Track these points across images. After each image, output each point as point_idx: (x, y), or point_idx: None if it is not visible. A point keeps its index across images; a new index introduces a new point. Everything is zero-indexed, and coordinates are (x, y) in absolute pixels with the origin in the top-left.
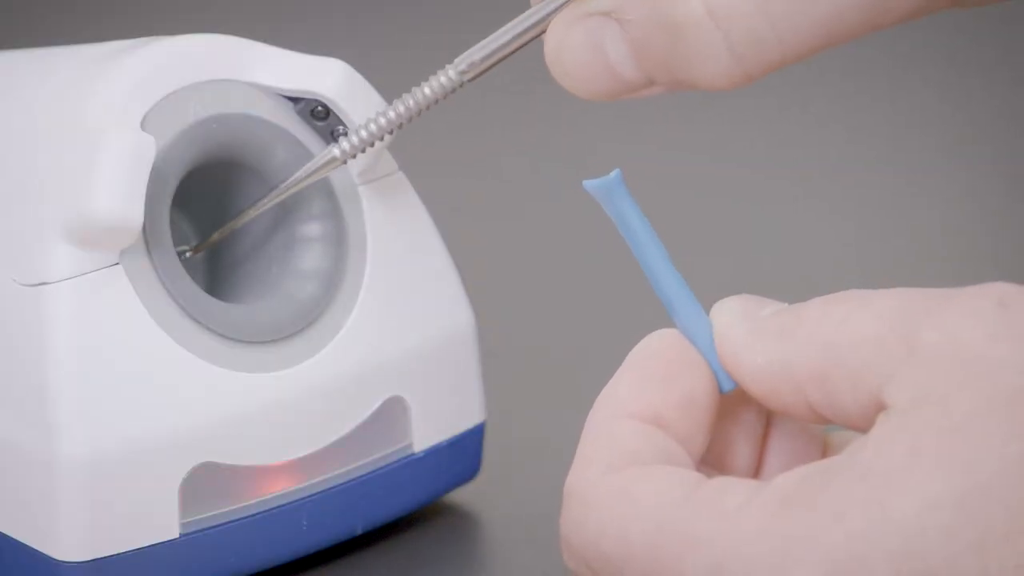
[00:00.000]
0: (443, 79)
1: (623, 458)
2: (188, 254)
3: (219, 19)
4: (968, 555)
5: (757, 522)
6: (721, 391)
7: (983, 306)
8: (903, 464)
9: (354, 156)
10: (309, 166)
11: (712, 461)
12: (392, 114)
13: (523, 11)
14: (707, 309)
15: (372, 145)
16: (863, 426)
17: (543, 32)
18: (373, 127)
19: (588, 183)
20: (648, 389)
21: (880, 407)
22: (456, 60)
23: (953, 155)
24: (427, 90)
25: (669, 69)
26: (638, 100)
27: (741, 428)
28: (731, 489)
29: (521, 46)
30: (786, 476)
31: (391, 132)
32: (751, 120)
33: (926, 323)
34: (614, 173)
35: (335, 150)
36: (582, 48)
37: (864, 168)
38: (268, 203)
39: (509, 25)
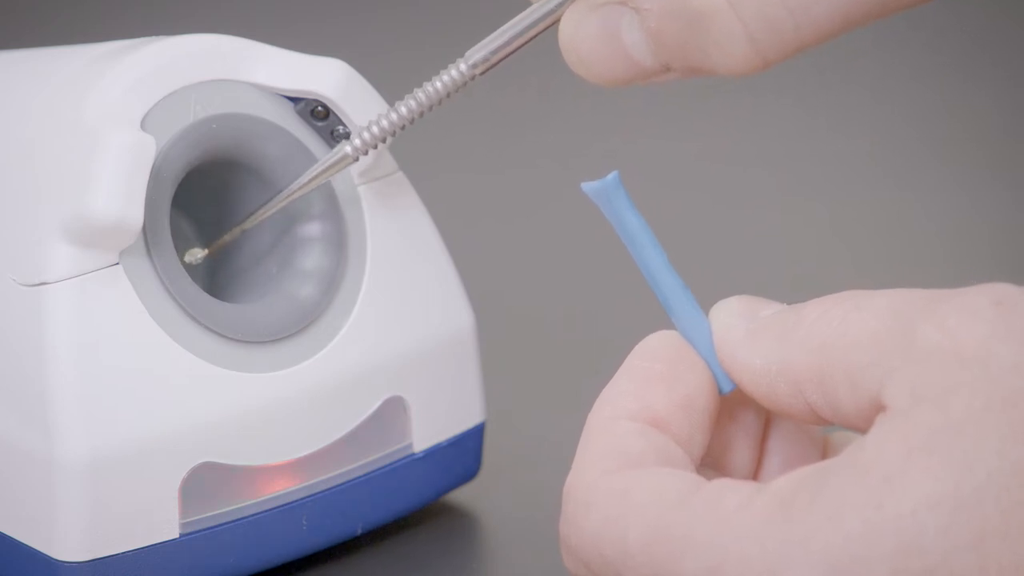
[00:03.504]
0: (454, 73)
1: (623, 459)
2: (200, 256)
3: (219, 19)
4: (966, 555)
5: (755, 524)
6: (721, 392)
7: (981, 307)
8: (901, 464)
9: (366, 153)
10: (320, 164)
11: (711, 462)
12: (404, 109)
13: (528, 3)
14: (706, 310)
15: (384, 141)
16: (862, 427)
17: (553, 23)
18: (385, 123)
19: (586, 185)
20: (648, 390)
21: (879, 407)
22: (467, 54)
23: (952, 155)
24: (438, 84)
25: (686, 56)
26: (639, 101)
27: (740, 429)
28: (730, 491)
29: (532, 38)
30: (785, 478)
31: (402, 128)
32: (750, 121)
33: (924, 324)
34: (612, 175)
35: (347, 147)
36: (597, 35)
37: (864, 169)
38: (279, 204)
39: (519, 17)
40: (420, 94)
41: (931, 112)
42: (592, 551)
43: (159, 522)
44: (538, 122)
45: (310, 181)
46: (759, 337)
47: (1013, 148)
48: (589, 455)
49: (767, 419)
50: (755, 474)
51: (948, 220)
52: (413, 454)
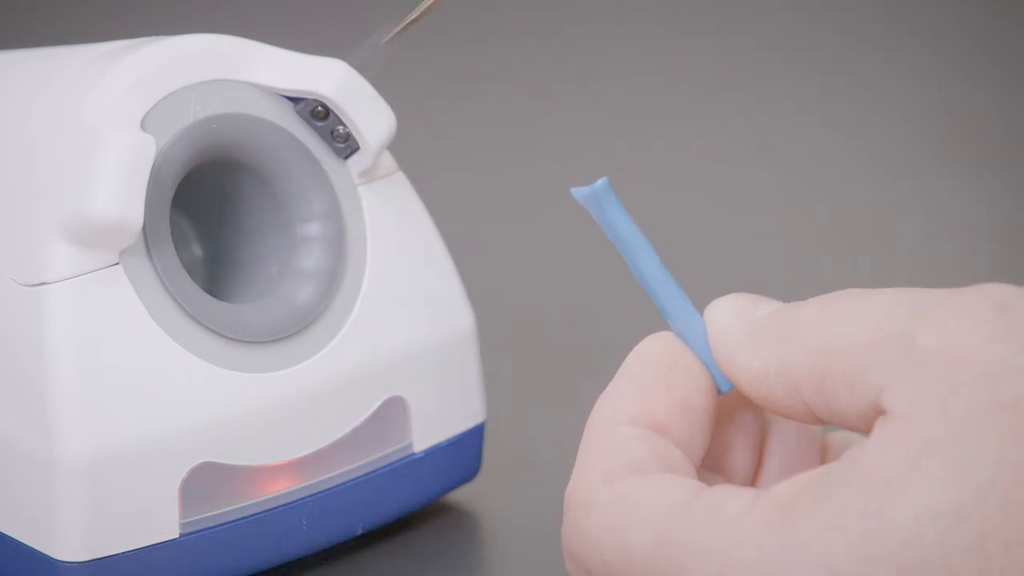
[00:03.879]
0: None
1: (623, 465)
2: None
3: (219, 19)
4: (968, 559)
5: (757, 531)
6: (719, 392)
7: (981, 308)
8: (901, 470)
9: None
10: None
11: (711, 464)
12: None
13: None
14: (702, 310)
15: None
16: (861, 428)
17: None
18: None
19: (575, 191)
20: (646, 394)
21: (878, 410)
22: None
23: (952, 155)
24: None
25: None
26: (639, 101)
27: (739, 430)
28: (731, 497)
29: None
30: (786, 484)
31: None
32: (750, 121)
33: (924, 325)
34: (601, 181)
35: None
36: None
37: (863, 169)
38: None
39: None
40: None
41: (931, 112)
42: (595, 557)
43: (159, 522)
44: (538, 122)
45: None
46: (756, 339)
47: (1013, 148)
48: (590, 461)
49: (766, 420)
50: (755, 475)
51: (948, 220)
52: (413, 454)
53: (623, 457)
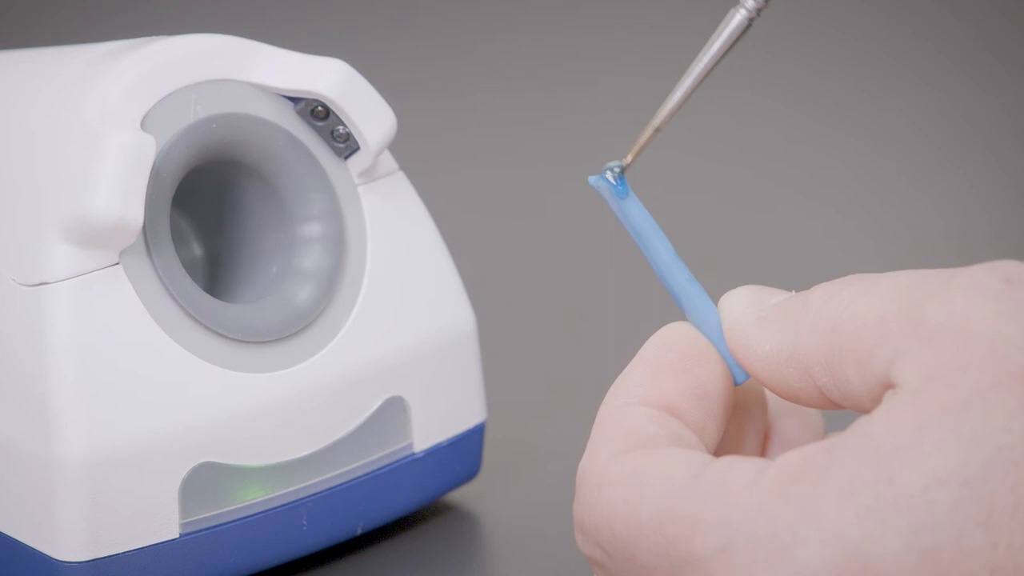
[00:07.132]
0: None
1: (635, 441)
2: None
3: (219, 19)
4: (976, 530)
5: (764, 501)
6: (736, 383)
7: (989, 283)
8: (910, 441)
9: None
10: (721, 34)
11: (724, 454)
12: None
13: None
14: (715, 302)
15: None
16: (871, 407)
17: None
18: None
19: (592, 179)
20: (661, 380)
21: (887, 385)
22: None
23: (957, 155)
24: None
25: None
26: (640, 100)
27: (750, 426)
28: (738, 468)
29: None
30: (794, 453)
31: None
32: (752, 121)
33: (931, 304)
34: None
35: (741, 10)
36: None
37: (865, 169)
38: (688, 90)
39: None
40: None
41: (936, 113)
42: (605, 531)
43: (159, 522)
44: (538, 122)
45: (714, 58)
46: (769, 324)
47: (1017, 149)
48: (602, 438)
49: (769, 420)
50: None
51: (952, 221)
52: (413, 454)
53: (635, 434)
